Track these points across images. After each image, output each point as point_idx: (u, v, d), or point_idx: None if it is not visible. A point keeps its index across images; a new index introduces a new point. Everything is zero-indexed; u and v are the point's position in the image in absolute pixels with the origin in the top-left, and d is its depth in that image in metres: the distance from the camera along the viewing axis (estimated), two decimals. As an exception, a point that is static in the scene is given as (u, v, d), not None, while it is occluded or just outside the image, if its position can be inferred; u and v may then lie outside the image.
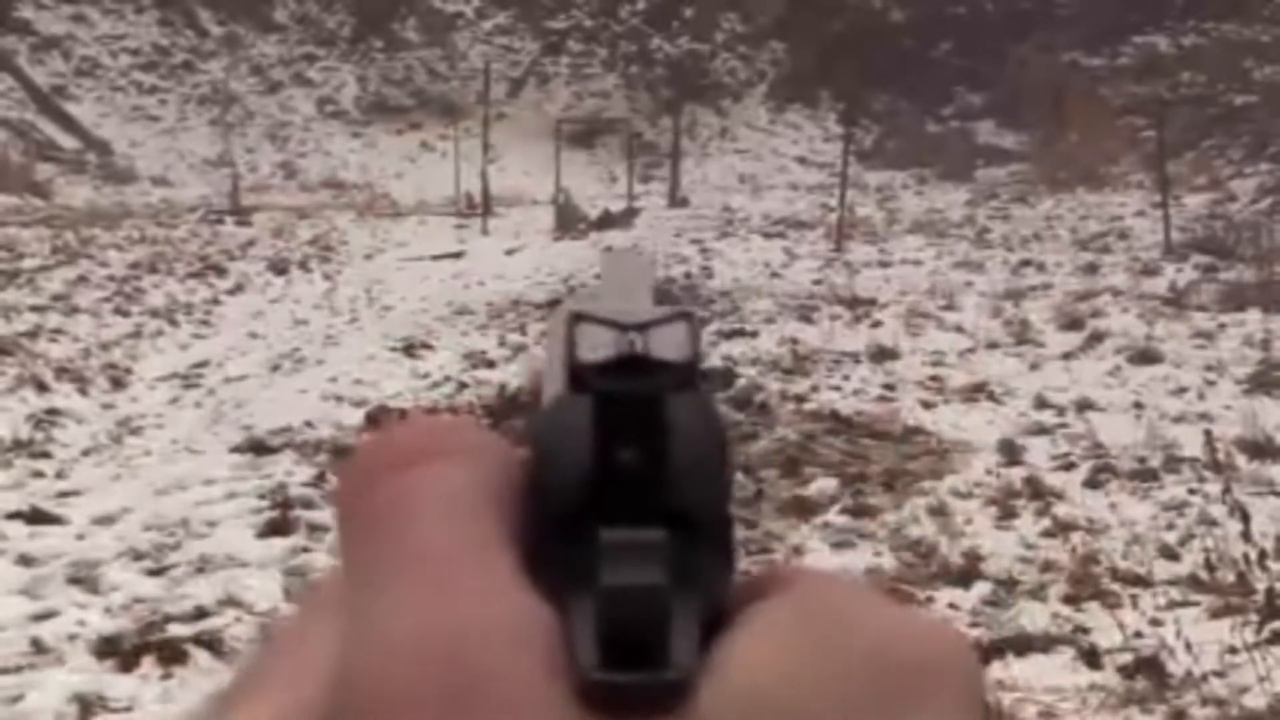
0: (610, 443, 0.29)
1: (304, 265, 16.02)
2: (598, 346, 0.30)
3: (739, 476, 6.51)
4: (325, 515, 5.91)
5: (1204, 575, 5.24)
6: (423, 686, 0.27)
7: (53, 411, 8.26)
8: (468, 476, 0.31)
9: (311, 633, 0.31)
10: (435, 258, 16.68)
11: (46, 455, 7.39)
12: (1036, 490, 6.50)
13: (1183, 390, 8.64)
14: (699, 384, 0.31)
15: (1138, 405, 8.22)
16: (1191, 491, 6.33)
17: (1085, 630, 4.88)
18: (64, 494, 6.65)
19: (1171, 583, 5.30)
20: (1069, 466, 6.95)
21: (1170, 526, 5.93)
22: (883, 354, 9.73)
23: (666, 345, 0.30)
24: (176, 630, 4.83)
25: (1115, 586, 5.26)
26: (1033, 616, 5.02)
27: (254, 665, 0.32)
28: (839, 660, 0.29)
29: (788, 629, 0.29)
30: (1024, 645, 4.76)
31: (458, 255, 16.94)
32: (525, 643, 0.27)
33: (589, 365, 0.30)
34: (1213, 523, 5.71)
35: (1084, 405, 8.17)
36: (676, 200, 24.30)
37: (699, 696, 0.27)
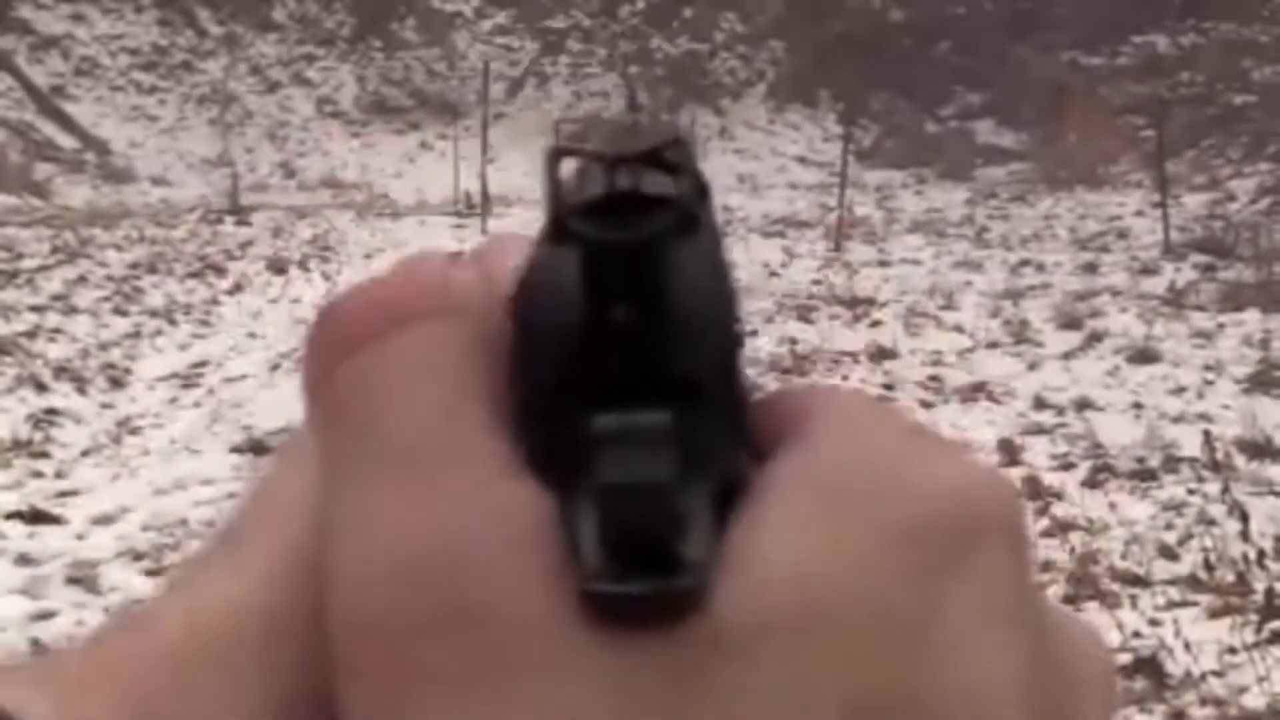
0: (602, 300, 0.26)
1: (303, 265, 16.02)
2: (583, 185, 0.27)
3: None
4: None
5: (1203, 575, 5.24)
6: (413, 604, 0.24)
7: (52, 411, 8.26)
8: (452, 342, 0.28)
9: (282, 494, 0.29)
10: (434, 257, 16.67)
11: (45, 455, 7.39)
12: (1035, 490, 6.50)
13: (1182, 390, 8.64)
14: (700, 221, 0.27)
15: (1137, 405, 8.22)
16: (1190, 491, 6.33)
17: (1084, 630, 4.88)
18: (63, 494, 6.65)
19: (1170, 582, 5.30)
20: (1068, 466, 6.95)
21: (1169, 526, 5.93)
22: (882, 353, 9.73)
23: (659, 180, 0.26)
24: (176, 630, 4.83)
25: (1114, 586, 5.26)
26: (1032, 616, 5.01)
27: (224, 531, 0.30)
28: (869, 535, 0.26)
29: (813, 505, 0.26)
30: (1023, 645, 4.76)
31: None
32: (522, 543, 0.25)
33: (573, 208, 0.26)
34: (1212, 522, 5.71)
35: (1083, 405, 8.17)
36: (676, 200, 24.29)
37: (716, 599, 0.25)
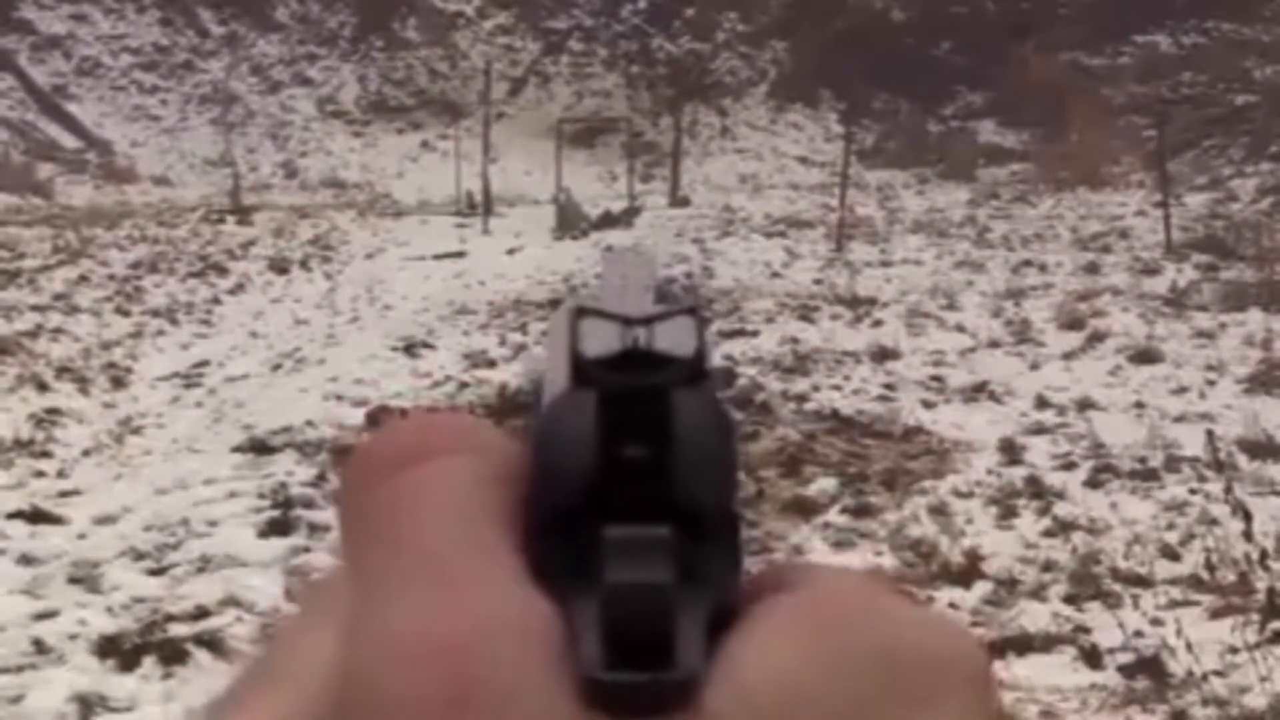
0: (615, 439, 0.29)
1: (305, 265, 16.02)
2: (602, 341, 0.30)
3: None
4: (326, 515, 5.91)
5: (1205, 575, 5.24)
6: (427, 688, 0.26)
7: (54, 411, 8.26)
8: (470, 473, 0.30)
9: (312, 632, 0.31)
10: (436, 257, 16.68)
11: (47, 455, 7.39)
12: (1037, 490, 6.50)
13: (1183, 390, 8.64)
14: (705, 379, 0.30)
15: (1138, 405, 8.22)
16: (1192, 491, 6.33)
17: (1086, 630, 4.88)
18: (65, 493, 6.65)
19: (1172, 582, 5.29)
20: (1070, 466, 6.95)
21: (1171, 526, 5.93)
22: (884, 353, 9.73)
23: (672, 340, 0.30)
24: (177, 630, 4.83)
25: (1116, 586, 5.26)
26: (1033, 616, 5.01)
27: (254, 665, 0.32)
28: (850, 660, 0.28)
29: (797, 628, 0.28)
30: (1025, 645, 4.76)
31: (459, 255, 16.94)
32: (530, 643, 0.27)
33: (593, 360, 0.29)
34: (1214, 522, 5.70)
35: (1085, 405, 8.17)
36: (677, 200, 24.30)
37: (706, 697, 0.27)
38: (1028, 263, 14.87)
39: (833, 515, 6.19)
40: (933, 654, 0.29)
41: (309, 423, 7.75)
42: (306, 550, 5.65)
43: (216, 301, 13.10)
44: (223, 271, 14.85)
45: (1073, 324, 10.81)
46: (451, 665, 0.27)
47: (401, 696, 0.27)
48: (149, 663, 4.62)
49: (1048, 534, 5.91)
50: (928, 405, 8.33)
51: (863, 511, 6.25)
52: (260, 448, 7.29)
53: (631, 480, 0.29)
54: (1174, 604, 5.06)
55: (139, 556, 5.64)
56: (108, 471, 7.15)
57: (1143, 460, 6.91)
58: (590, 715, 0.26)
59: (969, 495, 6.48)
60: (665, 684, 0.27)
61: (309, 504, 6.16)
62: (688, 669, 0.27)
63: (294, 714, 0.29)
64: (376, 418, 7.84)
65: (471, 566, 0.28)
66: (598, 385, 0.29)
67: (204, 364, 10.23)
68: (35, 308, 11.75)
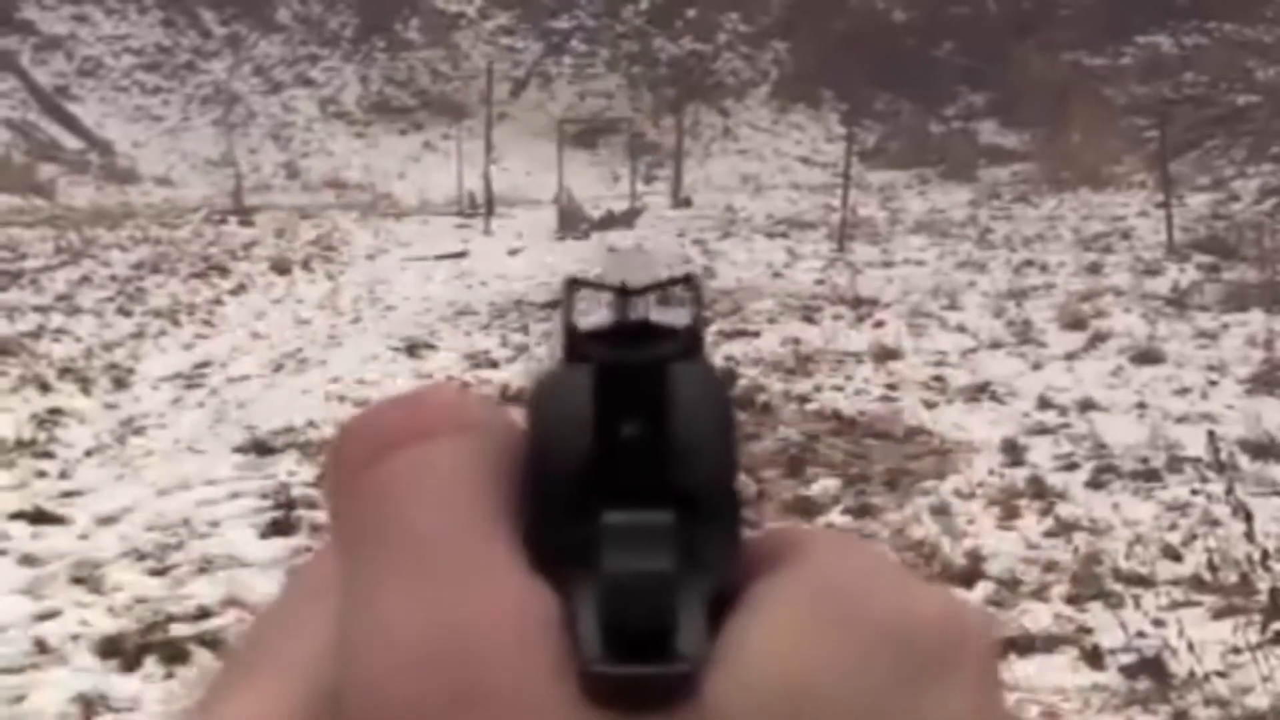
0: (611, 416, 0.28)
1: (306, 265, 16.02)
2: (596, 313, 0.29)
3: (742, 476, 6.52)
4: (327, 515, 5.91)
5: (1207, 575, 5.24)
6: (427, 688, 0.26)
7: (56, 411, 8.27)
8: (464, 454, 0.29)
9: (302, 619, 0.30)
10: (438, 258, 16.68)
11: (49, 455, 7.39)
12: (1039, 490, 6.50)
13: (1185, 390, 8.63)
14: (703, 351, 0.29)
15: (1140, 405, 8.22)
16: (1194, 492, 6.32)
17: (1088, 630, 4.88)
18: (67, 494, 6.65)
19: (1174, 583, 5.29)
20: (1072, 467, 6.94)
21: (1173, 527, 5.93)
22: (885, 354, 9.73)
23: (668, 311, 0.29)
24: (179, 630, 4.84)
25: (1118, 587, 5.26)
26: (1035, 616, 5.01)
27: (241, 652, 0.31)
28: (855, 641, 0.27)
29: (801, 609, 0.27)
30: (1027, 645, 4.76)
31: (460, 255, 16.94)
32: (529, 635, 0.26)
33: (587, 333, 0.29)
34: (1215, 523, 5.70)
35: (1087, 405, 8.16)
36: (679, 200, 24.30)
37: (709, 686, 0.26)
38: (1029, 263, 14.87)
39: (835, 516, 6.19)
40: (941, 630, 0.28)
41: (311, 423, 7.76)
42: (308, 551, 5.65)
43: (218, 302, 13.11)
44: (224, 272, 14.85)
45: (1074, 324, 10.81)
46: (451, 666, 0.26)
47: (401, 700, 0.26)
48: (151, 663, 4.62)
49: (1050, 534, 5.91)
50: (930, 406, 8.33)
51: (864, 512, 6.25)
52: (262, 448, 7.30)
53: (629, 459, 0.28)
54: (1176, 604, 5.06)
55: (141, 557, 5.65)
56: (109, 472, 7.15)
57: (1144, 461, 6.91)
58: (592, 709, 0.26)
59: (971, 496, 6.48)
60: (667, 676, 0.26)
61: (311, 504, 6.16)
62: (690, 659, 0.26)
63: (286, 706, 0.29)
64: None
65: (466, 556, 0.28)
66: (592, 359, 0.28)
67: (206, 364, 10.23)
68: (37, 308, 11.75)
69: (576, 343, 0.29)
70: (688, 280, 0.29)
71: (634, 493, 0.28)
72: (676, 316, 0.29)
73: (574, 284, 0.29)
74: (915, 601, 0.28)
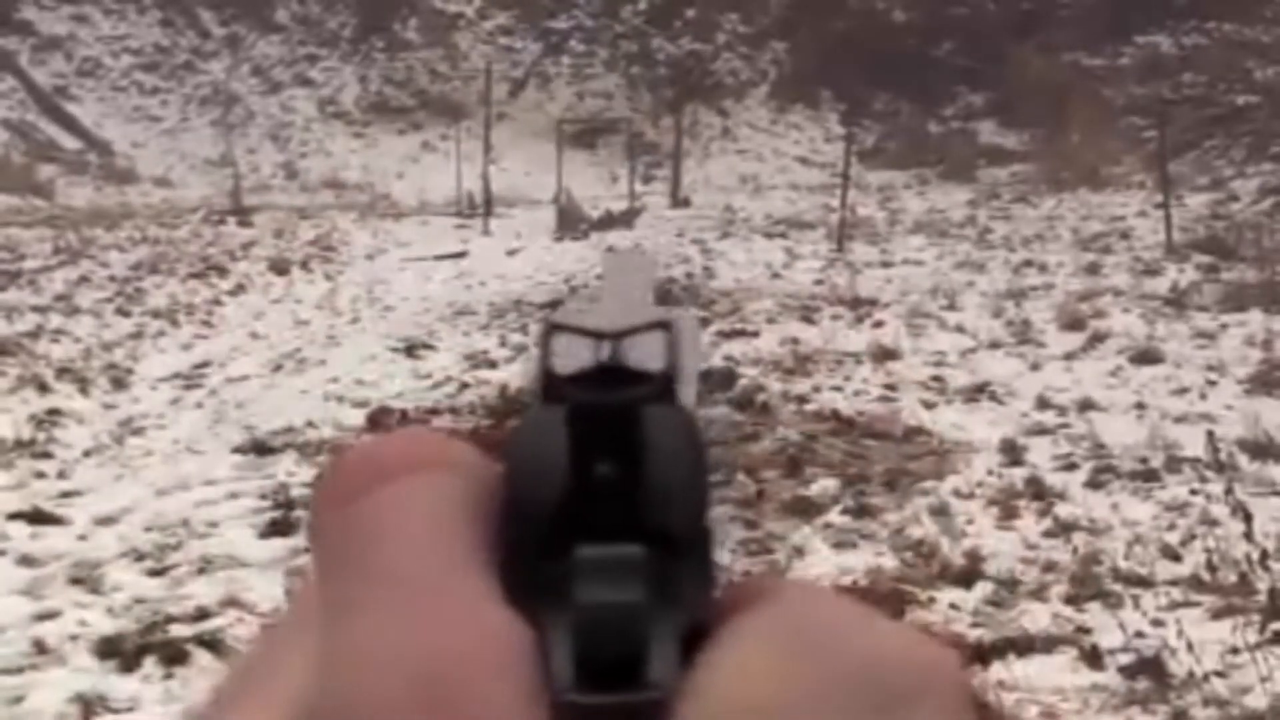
0: (586, 456, 0.29)
1: (305, 265, 16.02)
2: (572, 357, 0.30)
3: (740, 476, 6.52)
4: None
5: (1206, 576, 5.24)
6: (402, 714, 0.26)
7: (54, 412, 8.26)
8: (442, 492, 0.30)
9: (285, 651, 0.30)
10: (437, 258, 16.68)
11: (48, 456, 7.39)
12: (1038, 491, 6.50)
13: (1184, 390, 8.63)
14: (676, 394, 0.30)
15: (1139, 405, 8.22)
16: (1193, 492, 6.33)
17: (1087, 630, 4.88)
18: (65, 494, 6.65)
19: (1173, 583, 5.29)
20: (1071, 467, 6.94)
21: (1172, 527, 5.93)
22: (884, 354, 9.73)
23: (643, 355, 0.30)
24: (178, 631, 4.83)
25: (1117, 587, 5.26)
26: (1034, 617, 5.01)
27: (239, 672, 0.31)
28: (824, 675, 0.28)
29: (770, 644, 0.28)
30: (1026, 645, 4.76)
31: (459, 255, 16.94)
32: (503, 664, 0.27)
33: (563, 376, 0.29)
34: (1214, 523, 5.70)
35: (1085, 405, 8.17)
36: (678, 200, 24.31)
37: (680, 715, 0.27)
38: (1028, 263, 14.87)
39: (834, 516, 6.19)
40: (910, 667, 0.29)
41: (310, 423, 7.76)
42: (307, 551, 5.64)
43: (217, 302, 13.10)
44: (223, 272, 14.84)
45: (1073, 324, 10.81)
46: (426, 692, 0.26)
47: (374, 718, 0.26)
48: (150, 663, 4.62)
49: (1048, 534, 5.91)
50: (928, 406, 8.33)
51: (863, 512, 6.25)
52: (261, 448, 7.30)
53: (602, 498, 0.28)
54: (1175, 604, 5.06)
55: (140, 557, 5.65)
56: (108, 472, 7.15)
57: (1143, 461, 6.91)
58: None
59: (970, 496, 6.48)
60: (638, 704, 0.26)
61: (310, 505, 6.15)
62: (660, 689, 0.27)
63: None
64: (377, 419, 7.85)
65: (443, 588, 0.28)
66: (568, 402, 0.29)
67: (205, 365, 10.23)
68: (36, 309, 11.75)
69: (553, 385, 0.29)
70: (664, 326, 0.30)
71: (607, 530, 0.28)
72: (652, 359, 0.30)
73: (552, 328, 0.30)
74: (884, 638, 0.29)
